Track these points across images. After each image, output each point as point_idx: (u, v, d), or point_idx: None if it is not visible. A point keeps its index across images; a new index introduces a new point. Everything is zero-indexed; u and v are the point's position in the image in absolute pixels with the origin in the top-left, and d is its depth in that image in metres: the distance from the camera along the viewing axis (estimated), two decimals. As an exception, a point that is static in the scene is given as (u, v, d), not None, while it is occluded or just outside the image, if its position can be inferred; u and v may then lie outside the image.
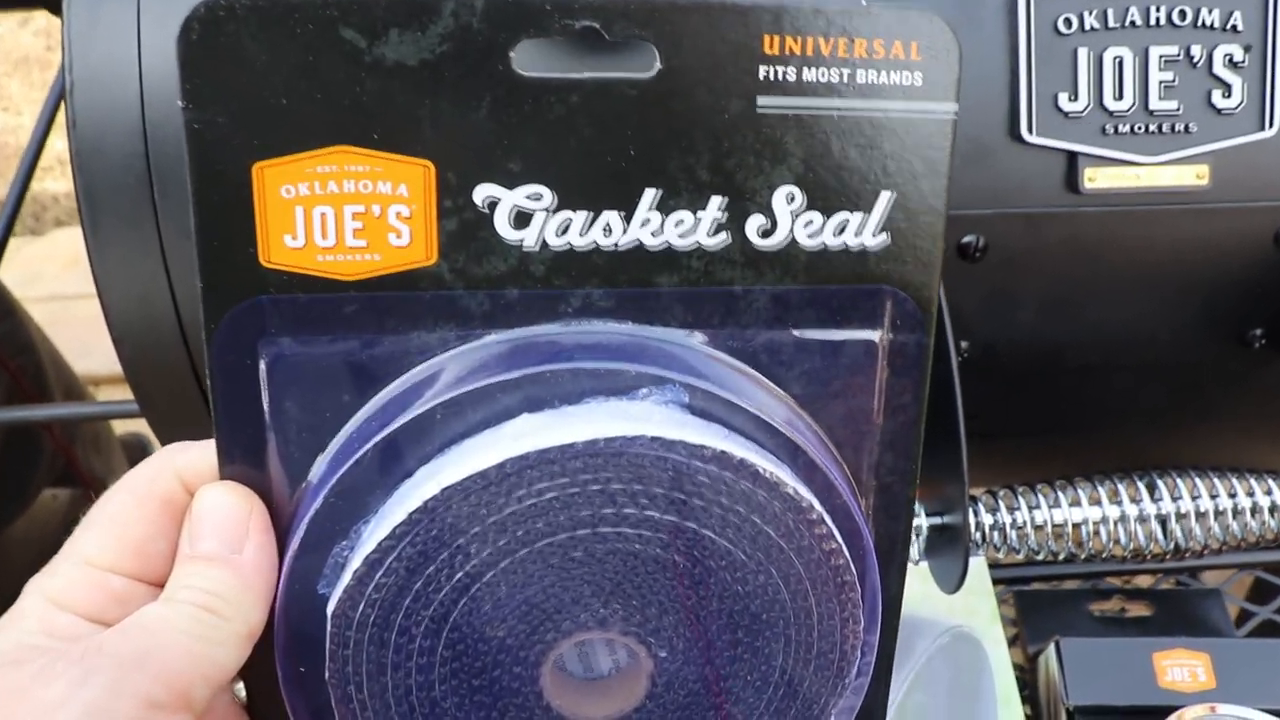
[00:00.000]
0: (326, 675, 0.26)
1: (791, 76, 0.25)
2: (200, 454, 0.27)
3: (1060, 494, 0.46)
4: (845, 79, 0.25)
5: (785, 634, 0.27)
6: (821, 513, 0.26)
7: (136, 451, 1.19)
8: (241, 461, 0.26)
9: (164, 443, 0.52)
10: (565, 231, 0.25)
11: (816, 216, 0.26)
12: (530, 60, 0.24)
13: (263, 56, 0.23)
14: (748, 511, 0.26)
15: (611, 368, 0.25)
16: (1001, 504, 0.46)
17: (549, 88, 0.24)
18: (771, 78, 0.25)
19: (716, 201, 0.25)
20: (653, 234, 0.25)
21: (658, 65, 0.24)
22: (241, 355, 0.25)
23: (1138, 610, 0.57)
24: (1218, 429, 0.55)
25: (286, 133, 0.24)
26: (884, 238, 0.26)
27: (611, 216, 0.25)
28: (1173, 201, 0.46)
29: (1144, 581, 0.60)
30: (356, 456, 0.25)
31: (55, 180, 1.79)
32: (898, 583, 0.30)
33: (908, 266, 0.26)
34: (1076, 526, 0.46)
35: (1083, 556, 0.47)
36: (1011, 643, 0.56)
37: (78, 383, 1.04)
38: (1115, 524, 0.46)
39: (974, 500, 0.46)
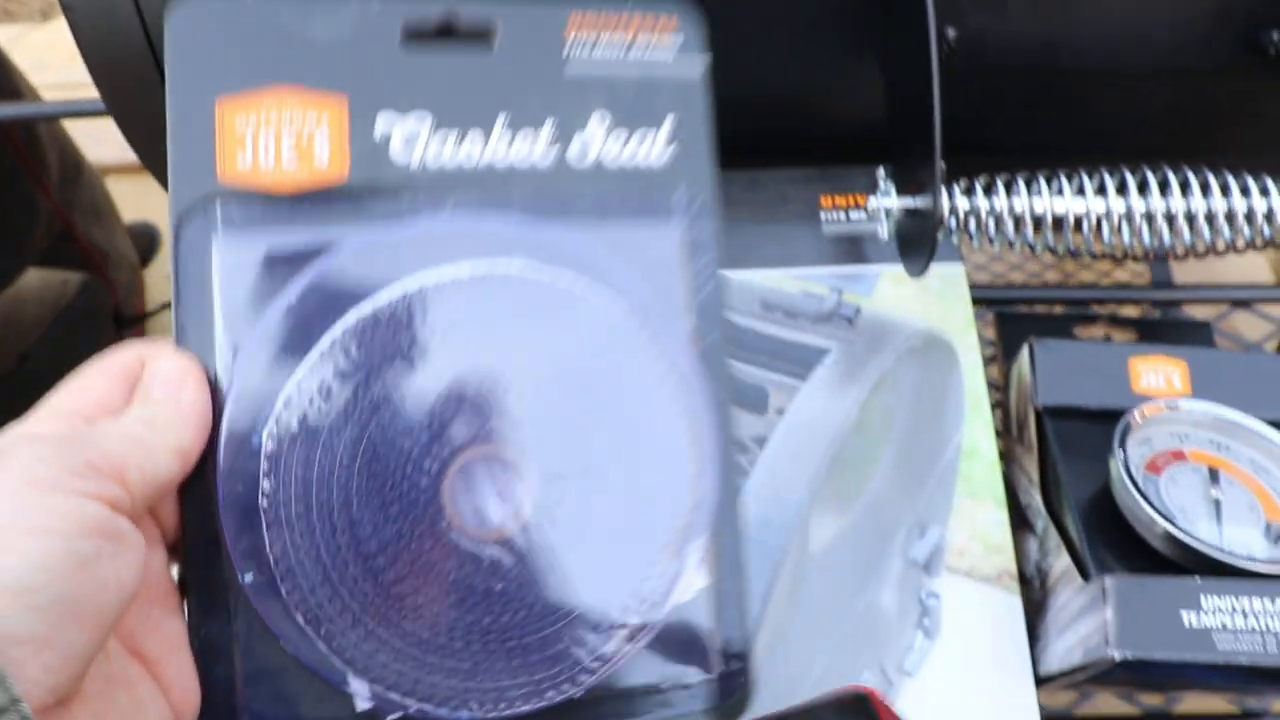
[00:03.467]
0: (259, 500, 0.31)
1: None
2: (162, 344, 0.32)
3: (1044, 184, 0.44)
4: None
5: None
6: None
7: (145, 240, 1.19)
8: (193, 339, 0.32)
9: (130, 140, 0.51)
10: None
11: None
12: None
13: None
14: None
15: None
16: (979, 188, 0.44)
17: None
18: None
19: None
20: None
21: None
22: (199, 251, 0.32)
23: (1123, 337, 0.56)
24: (1221, 150, 0.52)
25: None
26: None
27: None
28: None
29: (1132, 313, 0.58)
30: (284, 305, 0.32)
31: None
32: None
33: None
34: (1058, 219, 0.44)
35: (1061, 251, 0.45)
36: (989, 362, 0.55)
37: (85, 162, 1.03)
38: (1099, 220, 0.44)
39: (951, 184, 0.44)
